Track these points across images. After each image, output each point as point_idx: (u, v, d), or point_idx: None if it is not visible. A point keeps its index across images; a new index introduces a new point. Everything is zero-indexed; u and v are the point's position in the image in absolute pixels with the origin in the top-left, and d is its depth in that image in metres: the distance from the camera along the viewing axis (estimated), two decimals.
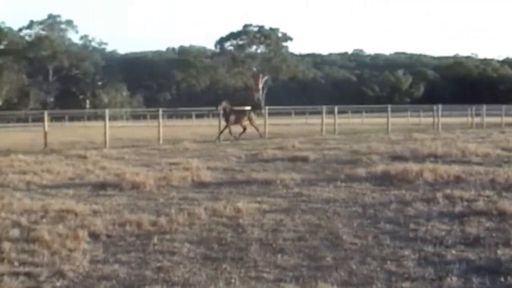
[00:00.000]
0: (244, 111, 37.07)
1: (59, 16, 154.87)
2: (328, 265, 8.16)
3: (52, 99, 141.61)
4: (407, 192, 13.81)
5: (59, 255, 8.74)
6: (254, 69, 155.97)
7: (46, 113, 32.56)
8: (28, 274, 7.87)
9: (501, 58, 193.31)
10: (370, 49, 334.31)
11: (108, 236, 9.90)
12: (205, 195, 14.11)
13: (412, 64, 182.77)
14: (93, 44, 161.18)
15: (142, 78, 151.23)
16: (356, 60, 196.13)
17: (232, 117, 34.90)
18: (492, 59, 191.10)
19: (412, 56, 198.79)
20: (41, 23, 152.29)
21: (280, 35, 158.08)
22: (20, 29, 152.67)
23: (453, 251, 8.70)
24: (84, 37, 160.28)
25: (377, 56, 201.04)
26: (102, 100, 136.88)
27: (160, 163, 20.70)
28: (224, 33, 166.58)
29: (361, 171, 16.86)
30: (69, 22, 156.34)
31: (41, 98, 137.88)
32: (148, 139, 33.96)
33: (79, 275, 7.86)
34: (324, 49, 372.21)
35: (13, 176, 17.52)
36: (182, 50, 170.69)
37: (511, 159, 20.01)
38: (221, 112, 35.36)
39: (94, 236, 9.87)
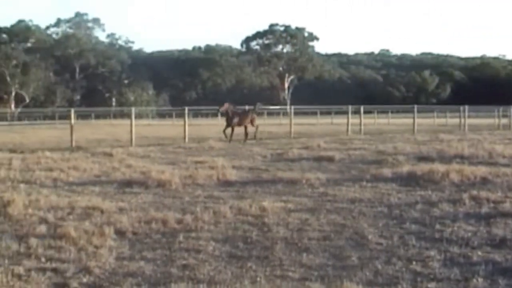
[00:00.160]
0: (247, 112, 36.03)
1: (86, 14, 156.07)
2: (354, 264, 8.15)
3: (78, 97, 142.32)
4: (433, 193, 13.76)
5: (86, 252, 8.79)
6: (280, 68, 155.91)
7: (72, 110, 32.72)
8: (55, 270, 7.91)
9: None
10: (396, 49, 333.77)
11: (134, 234, 9.94)
12: (230, 193, 14.13)
13: (438, 64, 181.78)
14: (120, 42, 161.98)
15: (168, 76, 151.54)
16: (382, 60, 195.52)
17: (236, 119, 33.90)
18: None
19: (438, 56, 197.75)
20: (68, 21, 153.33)
21: (306, 34, 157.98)
22: (48, 27, 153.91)
23: (479, 252, 8.66)
24: (110, 36, 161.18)
25: (403, 56, 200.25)
26: (128, 98, 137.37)
27: (186, 162, 20.74)
28: (250, 32, 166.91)
29: (386, 172, 16.82)
30: (96, 21, 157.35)
31: (67, 96, 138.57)
32: (174, 138, 34.06)
33: (105, 272, 7.90)
34: (350, 49, 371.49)
35: (40, 173, 17.64)
36: (208, 49, 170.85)
37: None
38: (224, 113, 34.60)
39: (120, 233, 9.92)
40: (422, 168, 16.86)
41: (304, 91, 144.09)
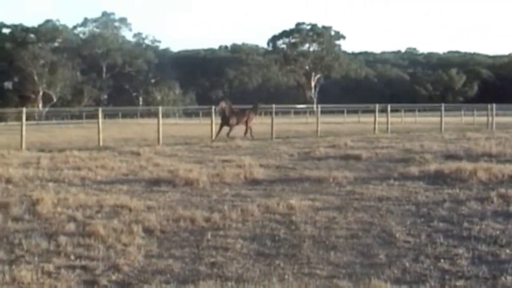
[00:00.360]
0: (244, 111, 35.66)
1: (113, 14, 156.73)
2: (381, 262, 8.16)
3: (105, 96, 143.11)
4: (461, 191, 13.71)
5: (114, 250, 8.86)
6: (307, 67, 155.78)
7: (100, 110, 32.91)
8: (84, 268, 7.99)
9: None
10: (423, 48, 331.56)
11: (162, 232, 10.00)
12: (257, 192, 14.15)
13: (465, 62, 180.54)
14: (146, 42, 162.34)
15: (195, 75, 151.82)
16: (409, 58, 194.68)
17: (234, 119, 33.67)
18: None
19: (465, 54, 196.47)
20: (95, 20, 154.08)
21: (332, 33, 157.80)
22: (75, 27, 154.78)
23: (508, 250, 8.63)
24: (137, 35, 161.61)
25: (430, 55, 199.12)
26: (155, 97, 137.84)
27: (213, 160, 20.79)
28: (277, 31, 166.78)
29: (414, 170, 16.77)
30: (122, 20, 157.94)
31: (94, 95, 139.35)
32: (201, 137, 34.16)
33: (134, 269, 7.96)
34: (377, 48, 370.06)
35: (68, 172, 17.76)
36: (235, 48, 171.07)
37: None
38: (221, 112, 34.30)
39: (148, 231, 9.98)
40: (450, 166, 16.79)
41: (330, 90, 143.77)
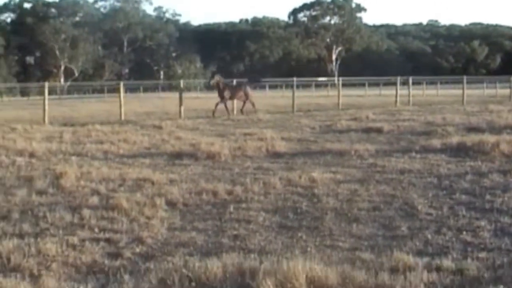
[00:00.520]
0: (240, 85, 34.23)
1: None
2: (403, 234, 8.18)
3: (126, 70, 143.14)
4: (483, 164, 13.68)
5: (138, 222, 8.94)
6: (328, 40, 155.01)
7: (122, 84, 32.99)
8: (108, 240, 8.07)
9: None
10: (445, 20, 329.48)
11: (185, 205, 10.07)
12: (279, 165, 14.20)
13: (488, 34, 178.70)
14: (167, 15, 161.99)
15: (216, 49, 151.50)
16: (431, 30, 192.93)
17: (227, 93, 32.07)
18: None
19: (488, 26, 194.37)
20: None
21: (353, 5, 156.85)
22: (95, 1, 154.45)
23: None
24: (158, 9, 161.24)
25: (452, 27, 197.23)
26: (176, 71, 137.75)
27: (235, 134, 20.84)
28: (298, 4, 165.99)
29: (436, 142, 16.75)
30: None
31: (116, 69, 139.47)
32: (222, 110, 34.15)
33: (158, 242, 8.03)
34: (398, 20, 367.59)
35: (91, 146, 17.89)
36: (255, 21, 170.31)
37: None
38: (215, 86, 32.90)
39: (171, 204, 10.05)
40: (472, 139, 16.75)
41: (351, 63, 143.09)
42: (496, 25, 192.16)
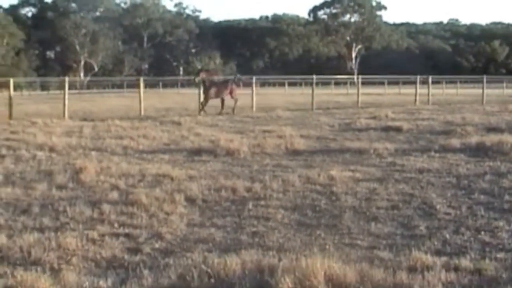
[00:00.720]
0: (226, 82, 33.41)
1: None
2: (422, 234, 8.18)
3: (146, 66, 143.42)
4: (502, 164, 13.64)
5: (157, 218, 8.99)
6: (347, 38, 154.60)
7: (142, 79, 33.07)
8: (127, 235, 8.12)
9: None
10: (465, 19, 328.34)
11: (204, 201, 10.11)
12: (298, 162, 14.22)
13: (509, 34, 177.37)
14: (187, 11, 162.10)
15: (235, 46, 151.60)
16: (451, 29, 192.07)
17: (213, 90, 31.16)
18: None
19: (509, 26, 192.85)
20: None
21: (374, 3, 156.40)
22: None
23: None
24: (178, 5, 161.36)
25: (472, 26, 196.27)
26: (196, 67, 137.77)
27: (254, 131, 20.88)
28: (318, 1, 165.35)
29: (455, 142, 16.72)
30: None
31: (135, 65, 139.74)
32: (241, 107, 34.16)
33: (177, 238, 8.07)
34: (418, 19, 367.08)
35: (111, 141, 17.97)
36: (275, 18, 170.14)
37: None
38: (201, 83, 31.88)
39: (190, 200, 10.09)
40: (491, 139, 16.70)
41: (371, 61, 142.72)
42: None
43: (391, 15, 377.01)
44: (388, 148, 15.93)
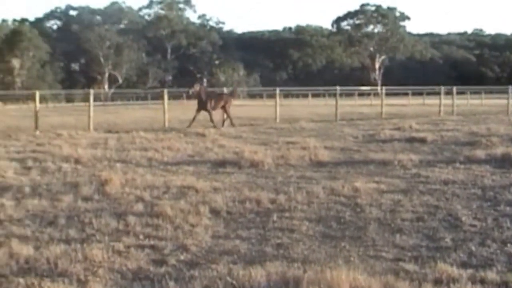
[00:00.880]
0: (221, 95, 32.16)
1: None
2: (447, 246, 8.15)
3: (170, 78, 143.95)
4: None
5: (182, 230, 9.00)
6: (371, 48, 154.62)
7: (165, 91, 33.17)
8: (153, 247, 8.14)
9: None
10: (490, 29, 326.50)
11: (229, 213, 10.12)
12: (322, 174, 14.20)
13: None
14: (211, 23, 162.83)
15: (259, 57, 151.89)
16: (476, 40, 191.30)
17: (211, 103, 29.94)
18: None
19: None
20: (160, 2, 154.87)
21: (397, 14, 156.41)
22: (140, 9, 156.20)
23: None
24: (201, 17, 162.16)
25: (497, 36, 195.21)
26: (219, 79, 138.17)
27: (278, 142, 20.89)
28: (341, 12, 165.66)
29: (480, 153, 16.63)
30: (187, 2, 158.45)
31: (159, 77, 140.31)
32: (265, 118, 34.22)
33: (202, 250, 8.08)
34: (442, 29, 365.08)
35: (135, 153, 18.06)
36: (299, 30, 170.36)
37: None
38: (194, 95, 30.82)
39: (215, 212, 10.11)
40: None
41: (395, 72, 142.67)
42: None
43: (415, 26, 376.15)
44: (412, 159, 15.88)
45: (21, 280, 6.80)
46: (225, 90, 37.31)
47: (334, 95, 38.25)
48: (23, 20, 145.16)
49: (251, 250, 8.05)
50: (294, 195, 11.28)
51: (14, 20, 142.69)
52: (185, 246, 8.15)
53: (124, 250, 7.96)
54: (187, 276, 6.97)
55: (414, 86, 63.71)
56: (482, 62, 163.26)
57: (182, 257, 7.73)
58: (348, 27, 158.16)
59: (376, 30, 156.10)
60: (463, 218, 9.55)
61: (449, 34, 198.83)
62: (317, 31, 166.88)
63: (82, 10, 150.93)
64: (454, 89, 41.91)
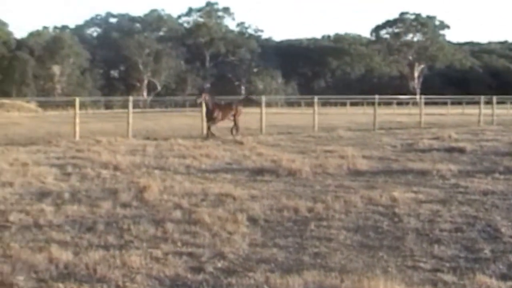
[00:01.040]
0: (230, 104, 31.02)
1: (216, 3, 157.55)
2: (486, 257, 8.09)
3: (208, 85, 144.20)
4: None
5: (220, 237, 9.03)
6: (410, 57, 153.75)
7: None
8: (190, 254, 8.17)
9: None
10: None
11: (266, 221, 10.13)
12: (360, 183, 14.16)
13: None
14: (249, 31, 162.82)
15: (297, 65, 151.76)
16: None
17: (218, 113, 28.79)
18: None
19: None
20: (199, 10, 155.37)
21: (437, 23, 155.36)
22: (179, 16, 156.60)
23: None
24: (240, 24, 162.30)
25: None
26: (257, 86, 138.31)
27: (316, 151, 20.86)
28: (380, 21, 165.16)
29: None
30: (226, 9, 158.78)
31: (198, 84, 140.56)
32: (303, 126, 34.21)
33: (239, 257, 8.09)
34: (482, 38, 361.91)
35: (174, 160, 18.13)
36: (337, 38, 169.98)
37: None
38: (203, 104, 29.86)
39: (252, 220, 10.13)
40: None
41: (434, 81, 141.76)
42: None
43: (454, 34, 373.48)
44: (451, 169, 15.80)
45: (61, 285, 6.88)
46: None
47: (373, 103, 38.12)
48: (64, 27, 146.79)
49: (289, 259, 8.04)
50: (332, 204, 11.27)
51: (55, 27, 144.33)
52: (223, 254, 8.17)
53: (162, 257, 8.00)
54: (224, 283, 7.00)
55: (454, 95, 63.28)
56: None
57: (219, 265, 7.75)
58: (387, 36, 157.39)
59: (415, 39, 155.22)
60: (503, 229, 9.48)
61: (489, 43, 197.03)
62: (356, 40, 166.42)
63: (121, 17, 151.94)
64: (494, 98, 41.62)
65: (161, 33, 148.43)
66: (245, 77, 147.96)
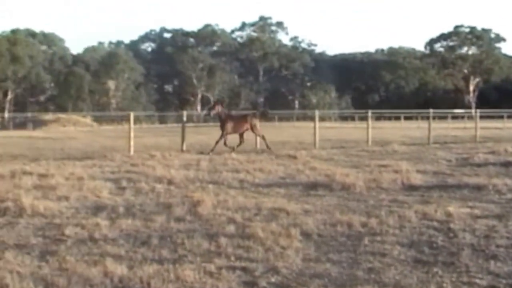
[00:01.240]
0: (245, 116, 30.18)
1: (270, 18, 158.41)
2: None
3: (262, 99, 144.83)
4: None
5: (273, 252, 9.02)
6: (465, 71, 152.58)
7: (257, 113, 33.29)
8: (244, 269, 8.17)
9: None
10: None
11: (320, 236, 10.10)
12: (415, 198, 14.04)
13: None
14: (303, 45, 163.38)
15: (351, 79, 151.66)
16: None
17: (230, 125, 28.51)
18: None
19: None
20: (252, 24, 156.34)
21: (492, 36, 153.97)
22: (233, 31, 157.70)
23: None
24: (294, 39, 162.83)
25: None
26: (311, 100, 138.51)
27: (369, 165, 20.75)
28: (434, 34, 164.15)
29: None
30: (279, 24, 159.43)
31: (251, 98, 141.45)
32: (357, 141, 34.08)
33: (293, 272, 8.07)
34: None
35: (227, 174, 18.18)
36: (391, 51, 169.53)
37: None
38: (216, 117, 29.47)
39: (306, 235, 10.10)
40: None
41: (490, 94, 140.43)
42: None
43: (511, 47, 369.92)
44: (507, 184, 15.59)
45: None
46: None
47: (427, 117, 37.89)
48: (119, 43, 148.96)
49: (342, 274, 8.01)
50: (386, 218, 11.20)
51: (110, 43, 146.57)
52: (276, 269, 8.16)
53: (216, 271, 8.01)
54: None
55: (510, 109, 62.53)
56: None
57: (273, 280, 7.75)
58: (442, 49, 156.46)
59: (470, 52, 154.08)
60: None
61: None
62: (410, 53, 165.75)
63: (175, 32, 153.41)
64: None
65: (215, 48, 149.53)
66: (298, 91, 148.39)
